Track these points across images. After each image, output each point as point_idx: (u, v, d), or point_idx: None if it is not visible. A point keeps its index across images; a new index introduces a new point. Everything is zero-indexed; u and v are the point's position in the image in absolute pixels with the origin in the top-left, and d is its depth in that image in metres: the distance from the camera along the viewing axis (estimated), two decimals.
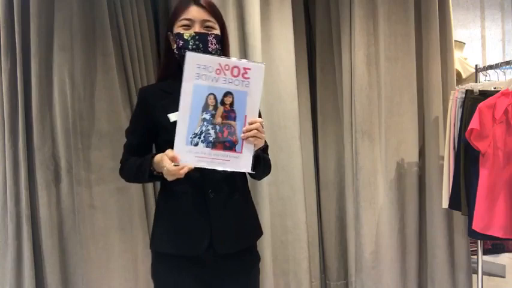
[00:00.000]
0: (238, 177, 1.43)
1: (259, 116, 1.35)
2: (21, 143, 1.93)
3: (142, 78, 2.18)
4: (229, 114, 1.28)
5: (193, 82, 1.25)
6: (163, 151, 1.30)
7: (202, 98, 1.26)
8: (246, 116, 1.29)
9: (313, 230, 2.57)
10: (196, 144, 1.26)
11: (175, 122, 1.28)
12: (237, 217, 1.41)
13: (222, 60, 1.28)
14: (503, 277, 3.07)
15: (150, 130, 1.41)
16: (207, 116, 1.27)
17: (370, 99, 2.36)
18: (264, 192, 2.24)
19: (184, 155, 1.25)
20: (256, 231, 1.51)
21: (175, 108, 1.28)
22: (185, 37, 1.35)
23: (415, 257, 2.44)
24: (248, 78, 1.28)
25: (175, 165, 1.23)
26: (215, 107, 1.27)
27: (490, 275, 3.02)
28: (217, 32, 1.39)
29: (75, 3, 2.00)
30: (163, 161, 1.25)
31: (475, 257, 2.36)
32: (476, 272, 2.34)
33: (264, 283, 2.20)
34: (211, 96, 1.27)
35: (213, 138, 1.27)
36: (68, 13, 2.00)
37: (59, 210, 2.02)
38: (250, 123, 1.28)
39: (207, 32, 1.37)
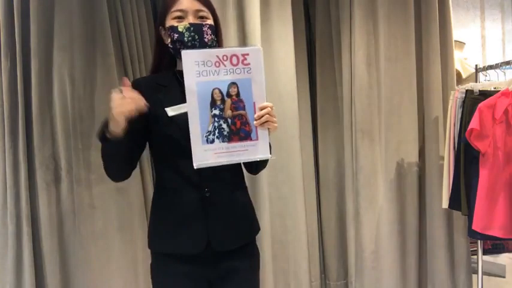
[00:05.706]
0: (234, 174, 1.41)
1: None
2: (21, 143, 1.93)
3: None
4: (238, 104, 1.26)
5: (195, 81, 1.22)
6: (160, 149, 1.30)
7: (207, 94, 1.23)
8: (254, 102, 1.27)
9: (313, 230, 2.57)
10: (212, 142, 1.24)
11: (173, 117, 1.27)
12: (235, 214, 1.39)
13: (219, 51, 1.24)
14: (503, 277, 3.06)
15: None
16: (217, 112, 1.25)
17: (370, 99, 2.36)
18: (264, 192, 2.24)
19: (203, 154, 1.23)
20: (255, 227, 1.49)
21: (172, 102, 1.28)
22: (180, 29, 1.31)
23: (415, 257, 2.44)
24: (248, 64, 1.25)
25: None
26: (222, 101, 1.25)
27: (490, 275, 3.01)
28: (211, 22, 1.36)
29: (75, 3, 2.00)
30: (112, 98, 1.14)
31: (475, 257, 2.36)
32: (476, 272, 2.34)
33: (264, 283, 2.20)
34: (216, 91, 1.24)
35: (228, 132, 1.25)
36: (68, 13, 2.00)
37: (59, 210, 2.02)
38: (261, 109, 1.27)
39: (201, 22, 1.33)
